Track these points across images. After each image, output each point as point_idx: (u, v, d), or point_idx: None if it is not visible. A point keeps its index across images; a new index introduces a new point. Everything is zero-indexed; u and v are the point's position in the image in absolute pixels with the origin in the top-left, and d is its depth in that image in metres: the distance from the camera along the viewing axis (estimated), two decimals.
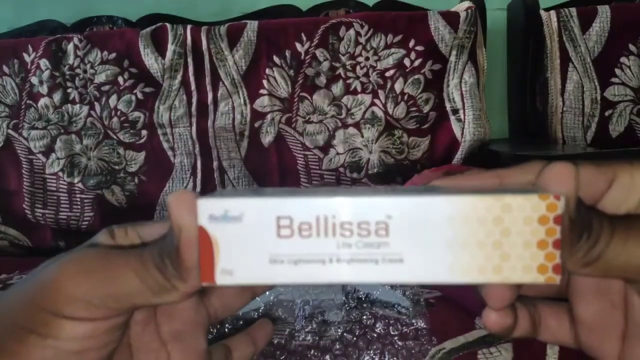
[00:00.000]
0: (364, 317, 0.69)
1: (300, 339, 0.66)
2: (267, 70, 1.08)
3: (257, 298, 0.70)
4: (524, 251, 0.19)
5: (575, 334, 0.25)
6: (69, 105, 1.12)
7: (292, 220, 0.20)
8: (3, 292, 0.23)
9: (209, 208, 0.20)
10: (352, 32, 1.07)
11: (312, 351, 0.64)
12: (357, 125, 1.08)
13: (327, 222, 0.20)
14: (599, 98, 1.11)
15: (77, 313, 0.21)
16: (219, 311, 0.27)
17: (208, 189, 1.07)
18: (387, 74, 1.06)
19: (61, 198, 1.13)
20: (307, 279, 0.20)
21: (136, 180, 1.11)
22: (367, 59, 1.07)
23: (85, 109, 1.11)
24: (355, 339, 0.66)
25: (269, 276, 0.20)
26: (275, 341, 0.66)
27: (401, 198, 0.20)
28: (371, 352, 0.64)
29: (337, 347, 0.65)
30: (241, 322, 0.68)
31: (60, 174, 1.13)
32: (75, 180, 1.12)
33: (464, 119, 1.07)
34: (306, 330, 0.67)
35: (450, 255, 0.20)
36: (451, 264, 0.20)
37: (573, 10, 1.12)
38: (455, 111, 1.08)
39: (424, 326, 0.67)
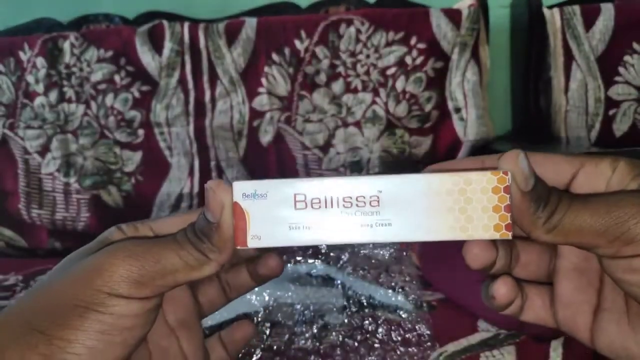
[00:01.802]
0: (366, 322, 0.68)
1: (300, 344, 0.66)
2: (266, 69, 1.07)
3: (255, 302, 0.69)
4: (483, 214, 0.25)
5: (554, 312, 0.29)
6: (65, 104, 1.11)
7: (305, 196, 0.25)
8: (52, 274, 0.27)
9: (242, 188, 0.26)
10: (352, 29, 1.06)
11: (312, 357, 0.63)
12: (357, 124, 1.07)
13: (333, 197, 0.25)
14: (602, 97, 1.10)
15: (129, 292, 0.25)
16: (205, 307, 0.32)
17: None
18: (388, 72, 1.05)
19: (57, 198, 1.12)
20: (319, 241, 0.26)
21: (133, 180, 1.10)
22: (367, 56, 1.05)
23: (82, 107, 1.10)
24: (356, 344, 0.65)
25: (289, 239, 0.25)
26: (275, 346, 0.65)
27: (388, 177, 0.25)
28: (373, 358, 0.63)
29: (338, 352, 0.64)
30: None
31: (56, 173, 1.12)
32: (72, 180, 1.11)
33: (467, 117, 1.06)
34: (306, 335, 0.66)
35: (427, 219, 0.25)
36: (428, 226, 0.25)
37: (577, 8, 1.11)
38: (457, 110, 1.07)
39: (427, 332, 0.66)
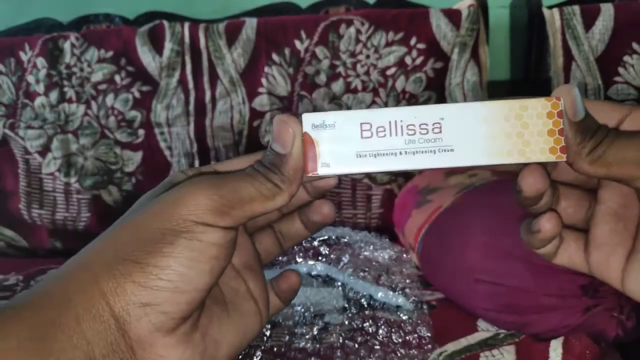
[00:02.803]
0: (366, 323, 0.68)
1: (300, 345, 0.66)
2: (266, 69, 1.07)
3: None
4: (539, 138, 0.26)
5: (587, 256, 0.30)
6: (66, 104, 1.11)
7: (371, 125, 0.27)
8: (128, 214, 0.27)
9: (311, 119, 0.27)
10: (352, 29, 1.06)
11: (312, 358, 0.63)
12: None
13: (397, 125, 0.27)
14: (602, 97, 1.10)
15: (214, 220, 0.26)
16: (263, 255, 0.33)
17: None
18: (388, 72, 1.05)
19: (57, 198, 1.12)
20: (385, 167, 0.27)
21: (133, 180, 1.10)
22: (367, 57, 1.06)
23: (82, 108, 1.11)
24: (357, 345, 0.65)
25: (356, 167, 0.27)
26: (275, 347, 0.65)
27: (449, 105, 0.27)
28: (373, 359, 0.63)
29: (338, 354, 0.64)
30: None
31: (57, 173, 1.12)
32: (72, 180, 1.11)
33: None
34: (306, 336, 0.66)
35: (487, 144, 0.27)
36: (488, 150, 0.27)
37: (576, 8, 1.11)
38: None
39: (428, 334, 0.66)
